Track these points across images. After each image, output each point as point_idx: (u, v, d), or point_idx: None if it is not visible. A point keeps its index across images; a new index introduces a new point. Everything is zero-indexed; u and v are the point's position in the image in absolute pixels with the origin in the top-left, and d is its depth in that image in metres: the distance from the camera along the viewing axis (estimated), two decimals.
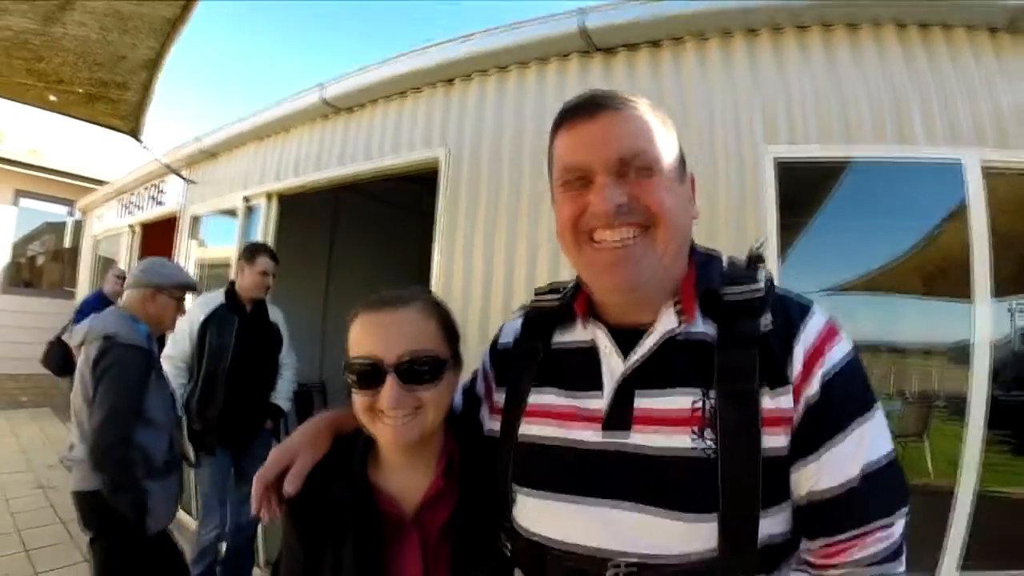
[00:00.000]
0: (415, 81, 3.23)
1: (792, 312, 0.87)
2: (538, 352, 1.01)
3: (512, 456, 0.97)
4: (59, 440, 6.19)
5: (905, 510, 0.83)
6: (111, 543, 2.32)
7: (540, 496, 0.91)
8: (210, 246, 5.21)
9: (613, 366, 0.90)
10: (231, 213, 4.56)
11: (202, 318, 3.22)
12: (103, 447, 2.19)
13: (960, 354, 2.51)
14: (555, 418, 0.93)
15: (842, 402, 0.81)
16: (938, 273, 3.50)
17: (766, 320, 0.85)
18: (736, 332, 0.85)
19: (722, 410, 0.80)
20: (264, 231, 4.06)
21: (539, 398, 0.97)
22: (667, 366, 0.87)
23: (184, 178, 5.24)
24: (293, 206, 4.26)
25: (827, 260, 3.57)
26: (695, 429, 0.81)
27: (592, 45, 2.78)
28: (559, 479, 0.89)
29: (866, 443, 0.81)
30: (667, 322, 0.88)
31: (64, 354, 5.43)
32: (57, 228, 9.86)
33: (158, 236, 5.97)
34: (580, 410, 0.91)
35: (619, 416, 0.87)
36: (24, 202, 9.26)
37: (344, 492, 1.01)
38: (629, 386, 0.88)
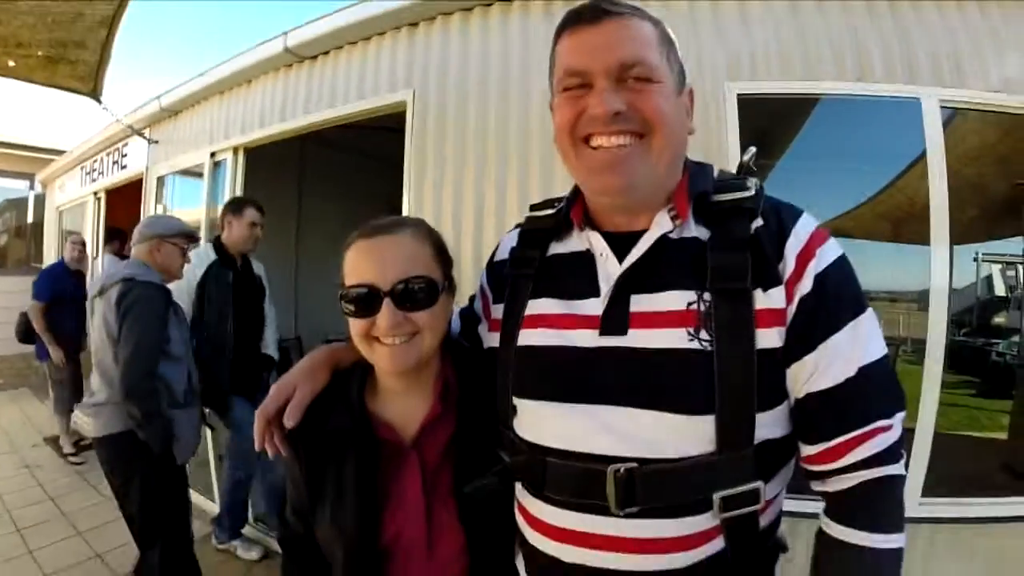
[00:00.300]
0: (379, 25, 3.17)
1: (783, 215, 0.89)
2: (535, 262, 1.03)
3: (512, 365, 0.98)
4: (39, 420, 6.11)
5: (902, 413, 0.85)
6: (144, 480, 2.40)
7: (540, 403, 0.93)
8: (178, 209, 5.11)
9: (609, 270, 0.92)
10: (197, 173, 4.48)
11: (199, 275, 3.22)
12: (134, 379, 2.31)
13: (925, 300, 2.58)
14: (553, 325, 0.95)
15: (835, 299, 0.83)
16: (904, 218, 3.57)
17: (757, 222, 0.87)
18: (728, 234, 0.87)
19: (716, 308, 0.82)
20: (231, 186, 4.00)
21: (537, 307, 0.99)
22: (662, 267, 0.88)
23: (146, 138, 5.11)
24: (259, 160, 4.20)
25: (794, 202, 3.62)
26: (690, 329, 0.83)
27: None
28: (558, 384, 0.90)
29: (861, 341, 0.83)
30: (661, 225, 0.89)
31: (26, 323, 5.45)
32: (19, 204, 9.64)
33: (124, 201, 5.86)
34: (578, 315, 0.93)
35: (616, 318, 0.89)
36: None
37: (343, 421, 1.03)
38: (625, 288, 0.89)
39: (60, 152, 8.30)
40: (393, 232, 1.02)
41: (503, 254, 1.13)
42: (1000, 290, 6.99)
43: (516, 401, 0.96)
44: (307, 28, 3.39)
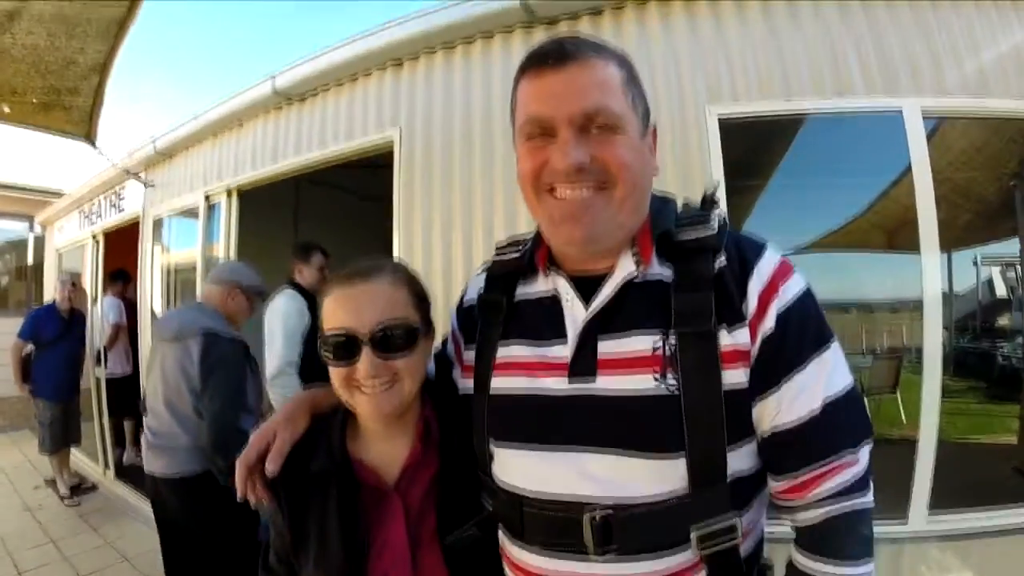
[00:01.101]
0: (364, 64, 3.24)
1: (745, 251, 0.89)
2: (502, 306, 1.03)
3: (486, 411, 0.98)
4: (41, 462, 6.11)
5: (869, 441, 0.86)
6: (223, 522, 2.43)
7: (515, 448, 0.93)
8: (176, 250, 5.15)
9: (575, 313, 0.92)
10: (192, 213, 4.53)
11: (305, 322, 3.24)
12: (222, 433, 2.36)
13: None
14: (523, 369, 0.95)
15: (798, 335, 0.84)
16: (898, 227, 3.57)
17: (720, 260, 0.87)
18: (691, 273, 0.87)
19: (681, 350, 0.83)
20: (226, 227, 4.06)
21: (507, 351, 0.99)
22: (627, 310, 0.89)
23: (142, 181, 5.17)
24: (254, 200, 4.25)
25: (788, 220, 3.63)
26: (656, 371, 0.83)
27: (534, 17, 2.81)
28: (531, 429, 0.91)
29: (825, 375, 0.84)
30: (625, 268, 0.90)
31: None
32: (19, 246, 9.66)
33: (122, 244, 5.87)
34: (546, 359, 0.93)
35: (584, 362, 0.89)
36: None
37: (325, 466, 1.03)
38: (592, 332, 0.89)
39: (59, 194, 8.37)
40: (370, 278, 1.03)
41: (471, 297, 1.13)
42: (1001, 292, 6.97)
43: (492, 447, 0.97)
44: (294, 70, 3.47)
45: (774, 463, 0.87)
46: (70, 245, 7.26)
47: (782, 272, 0.87)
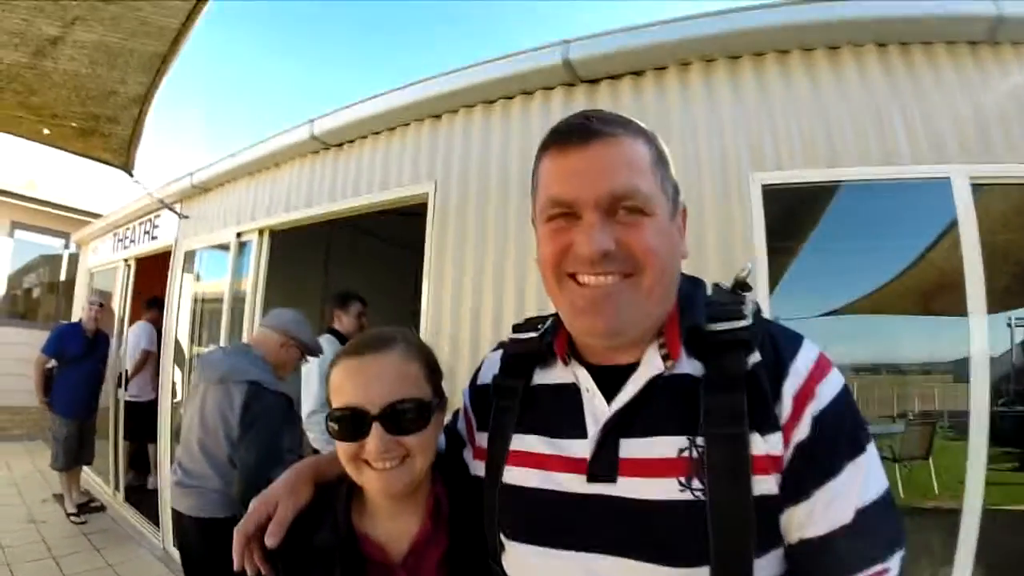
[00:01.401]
0: (403, 116, 3.25)
1: (781, 347, 0.82)
2: (518, 392, 0.97)
3: (497, 502, 0.93)
4: (52, 475, 6.16)
5: (902, 552, 0.78)
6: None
7: (527, 546, 0.87)
8: (204, 281, 5.22)
9: (597, 410, 0.86)
10: (224, 248, 4.56)
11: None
12: (252, 485, 2.30)
13: (961, 371, 2.47)
14: (539, 465, 0.90)
15: (833, 442, 0.77)
16: (935, 290, 3.49)
17: (754, 356, 0.81)
18: (723, 371, 0.81)
19: (710, 456, 0.76)
20: (256, 266, 4.07)
21: (521, 442, 0.93)
22: (652, 409, 0.82)
23: (177, 213, 5.24)
24: (286, 240, 4.28)
25: (822, 284, 3.57)
26: (682, 479, 0.77)
27: (576, 76, 2.80)
28: (544, 529, 0.86)
29: (859, 483, 0.76)
30: (651, 364, 0.84)
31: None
32: (53, 261, 9.86)
33: (153, 270, 5.97)
34: (564, 457, 0.87)
35: (604, 464, 0.83)
36: (19, 234, 9.30)
37: (329, 540, 0.98)
38: (614, 431, 0.83)
39: (96, 215, 8.54)
40: (380, 351, 0.98)
41: (485, 378, 1.08)
42: None
43: (503, 539, 0.92)
44: (333, 116, 3.49)
45: (801, 572, 0.79)
46: (102, 266, 7.39)
47: (819, 371, 0.80)
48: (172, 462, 4.85)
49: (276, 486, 1.05)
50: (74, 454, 5.61)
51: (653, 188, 0.81)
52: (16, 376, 8.14)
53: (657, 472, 0.79)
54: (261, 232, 4.10)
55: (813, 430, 0.76)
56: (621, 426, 0.83)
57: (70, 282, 9.37)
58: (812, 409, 0.77)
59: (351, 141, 3.55)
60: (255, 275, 4.06)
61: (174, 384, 5.23)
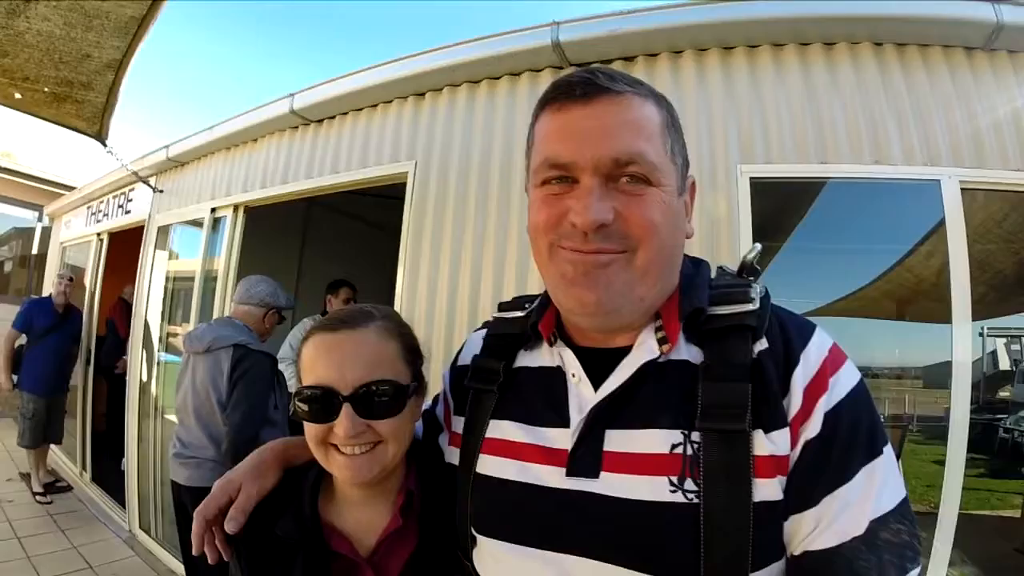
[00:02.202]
0: (385, 93, 3.15)
1: (791, 334, 0.74)
2: (498, 375, 0.89)
3: (470, 493, 0.85)
4: (18, 453, 6.02)
5: (917, 569, 0.68)
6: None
7: (499, 543, 0.80)
8: (178, 259, 5.08)
9: (582, 397, 0.78)
10: (198, 224, 4.44)
11: None
12: (241, 444, 2.38)
13: (934, 376, 2.47)
14: (516, 455, 0.81)
15: (846, 443, 0.68)
16: (911, 296, 3.48)
17: (761, 343, 0.73)
18: (725, 358, 0.72)
19: (707, 455, 0.68)
20: (230, 243, 3.95)
21: (498, 430, 0.85)
22: (643, 398, 0.74)
23: (151, 187, 5.09)
24: (262, 218, 4.17)
25: (799, 284, 3.54)
26: (673, 478, 0.69)
27: (565, 60, 2.71)
28: (518, 526, 0.78)
29: (874, 490, 0.67)
30: (645, 348, 0.76)
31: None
32: (25, 234, 9.64)
33: (126, 245, 5.80)
34: (543, 446, 0.79)
35: (587, 457, 0.74)
36: None
37: (292, 530, 0.91)
38: (599, 421, 0.75)
39: (70, 188, 8.34)
40: (356, 327, 0.92)
41: (466, 359, 0.99)
42: (1005, 364, 6.85)
43: (475, 533, 0.84)
44: (314, 91, 3.37)
45: None
46: (75, 240, 7.20)
47: (833, 362, 0.72)
48: (136, 443, 4.79)
49: (241, 468, 0.98)
50: (41, 431, 5.50)
51: (661, 156, 0.73)
52: None
53: (645, 469, 0.71)
54: (236, 208, 3.97)
55: (825, 427, 0.68)
56: (608, 415, 0.75)
57: (42, 256, 9.14)
58: (824, 403, 0.69)
59: (331, 117, 3.44)
60: (228, 252, 3.94)
61: (142, 364, 5.10)
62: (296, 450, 1.02)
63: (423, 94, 3.07)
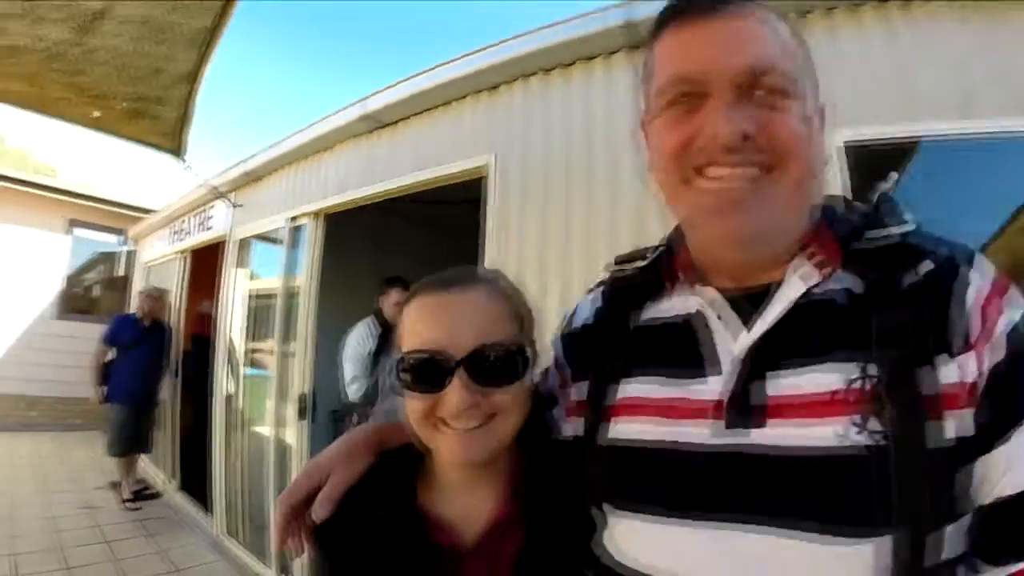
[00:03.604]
0: (458, 89, 3.13)
1: (956, 255, 0.66)
2: (626, 329, 0.82)
3: (600, 465, 0.77)
4: (108, 463, 6.33)
5: None
6: None
7: (640, 518, 0.71)
8: (259, 276, 5.25)
9: (731, 341, 0.71)
10: (273, 240, 4.56)
11: (372, 344, 3.69)
12: None
13: None
14: (656, 414, 0.73)
15: None
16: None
17: (926, 265, 0.65)
18: (893, 281, 0.65)
19: (889, 387, 0.60)
20: (311, 252, 4.02)
21: (631, 389, 0.77)
22: (806, 335, 0.66)
23: (230, 201, 5.27)
24: (340, 229, 4.22)
25: None
26: (856, 418, 0.60)
27: (638, 37, 2.58)
28: (664, 493, 0.69)
29: None
30: (801, 278, 0.68)
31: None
32: (111, 258, 10.14)
33: (208, 263, 6.01)
34: (688, 400, 0.71)
35: (745, 406, 0.67)
36: (78, 231, 9.59)
37: (388, 519, 0.83)
38: (757, 365, 0.68)
39: (149, 211, 8.74)
40: (469, 286, 0.83)
41: (582, 319, 0.93)
42: None
43: (607, 512, 0.75)
44: (385, 93, 3.39)
45: (989, 546, 0.58)
46: (158, 260, 7.54)
47: (1001, 282, 0.65)
48: (224, 452, 4.94)
49: (329, 453, 0.91)
50: (130, 441, 5.72)
51: (799, 68, 0.67)
52: (76, 369, 8.33)
53: (820, 412, 0.62)
54: (316, 215, 4.04)
55: (1010, 347, 0.59)
56: (766, 357, 0.68)
57: (127, 278, 9.61)
58: (1005, 323, 0.61)
59: (405, 118, 3.45)
60: (310, 262, 4.02)
61: (226, 377, 5.26)
62: (389, 432, 0.93)
63: (496, 87, 3.04)
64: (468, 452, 0.79)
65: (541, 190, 2.78)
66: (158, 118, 3.90)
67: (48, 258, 9.21)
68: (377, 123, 3.58)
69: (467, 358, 0.76)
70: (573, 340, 0.94)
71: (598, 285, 0.96)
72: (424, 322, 0.81)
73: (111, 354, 5.90)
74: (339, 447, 0.91)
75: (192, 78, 3.39)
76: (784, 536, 0.60)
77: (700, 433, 0.69)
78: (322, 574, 0.88)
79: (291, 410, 4.05)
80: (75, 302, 9.68)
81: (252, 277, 5.28)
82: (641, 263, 0.85)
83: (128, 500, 5.60)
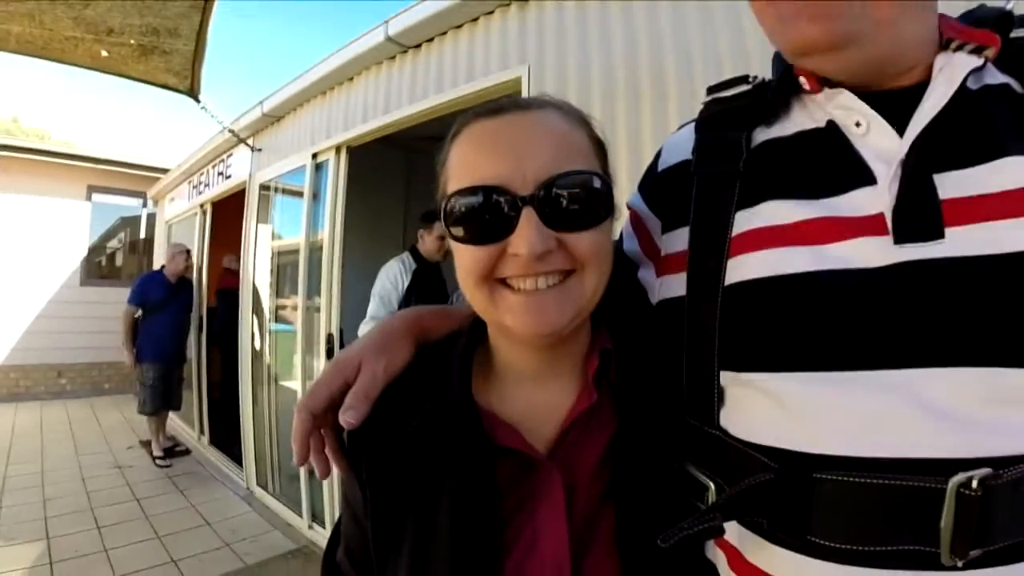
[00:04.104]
0: (486, 4, 2.89)
1: None
2: (740, 150, 0.66)
3: (718, 318, 0.60)
4: (139, 424, 6.40)
5: None
6: None
7: (789, 375, 0.55)
8: (280, 233, 5.14)
9: (882, 145, 0.57)
10: (298, 192, 4.38)
11: (403, 283, 3.46)
12: None
13: None
14: (795, 239, 0.58)
15: None
16: None
17: None
18: None
19: None
20: (334, 187, 3.87)
21: (757, 217, 0.62)
22: (974, 128, 0.54)
23: (249, 146, 5.12)
24: (364, 165, 4.05)
25: None
26: None
27: None
28: (823, 339, 0.53)
29: None
30: (958, 66, 0.55)
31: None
32: (133, 222, 10.14)
33: (230, 214, 5.90)
34: (841, 219, 0.56)
35: (919, 212, 0.52)
36: (97, 197, 9.57)
37: (437, 420, 0.65)
38: (920, 167, 0.54)
39: (168, 171, 8.69)
40: (532, 108, 0.64)
41: (676, 156, 0.77)
42: None
43: (731, 378, 0.60)
44: (409, 14, 3.16)
45: None
46: (180, 216, 7.47)
47: None
48: (252, 406, 4.89)
49: (360, 343, 0.73)
50: (160, 399, 5.75)
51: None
52: (103, 334, 8.54)
53: (1010, 210, 0.48)
54: (338, 149, 3.86)
55: None
56: (930, 157, 0.53)
57: (149, 240, 9.62)
58: None
59: (430, 40, 3.23)
60: (333, 198, 3.86)
61: (253, 331, 5.19)
62: (432, 319, 0.77)
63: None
64: (541, 318, 0.60)
65: (580, 100, 2.52)
66: (170, 52, 3.75)
67: (70, 225, 9.23)
68: (400, 47, 3.37)
69: (538, 193, 0.58)
70: (662, 185, 0.79)
71: (690, 122, 0.79)
72: (480, 152, 0.62)
73: (138, 312, 5.88)
74: (372, 337, 0.74)
75: (204, 6, 3.24)
76: (988, 371, 0.47)
77: (859, 252, 0.54)
78: (354, 495, 0.70)
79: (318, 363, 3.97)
80: (99, 268, 9.73)
81: (274, 237, 5.17)
82: (746, 87, 0.72)
83: (159, 457, 5.68)
